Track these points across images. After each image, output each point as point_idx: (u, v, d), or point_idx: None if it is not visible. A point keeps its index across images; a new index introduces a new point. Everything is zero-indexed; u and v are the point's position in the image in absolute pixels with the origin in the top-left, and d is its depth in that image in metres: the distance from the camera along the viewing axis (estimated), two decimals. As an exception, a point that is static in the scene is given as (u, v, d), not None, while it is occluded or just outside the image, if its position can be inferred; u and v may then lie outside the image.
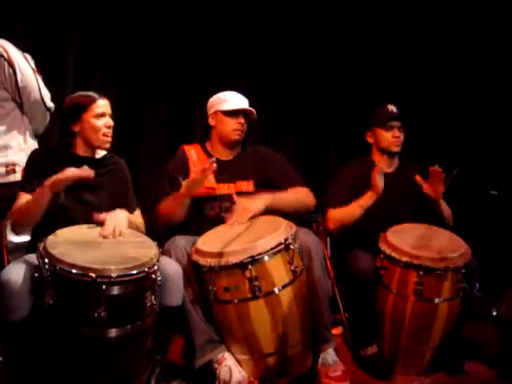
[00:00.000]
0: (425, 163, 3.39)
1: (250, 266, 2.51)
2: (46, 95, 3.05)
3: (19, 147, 3.00)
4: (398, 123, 3.20)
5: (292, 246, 2.60)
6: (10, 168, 2.96)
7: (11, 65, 2.91)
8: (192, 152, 3.09)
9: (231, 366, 2.63)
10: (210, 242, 2.69)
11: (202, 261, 2.59)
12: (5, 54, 2.90)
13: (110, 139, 2.66)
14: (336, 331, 3.01)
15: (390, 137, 3.20)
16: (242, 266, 2.52)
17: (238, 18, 4.07)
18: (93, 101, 2.61)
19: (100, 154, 2.76)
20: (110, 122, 2.64)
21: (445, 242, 2.91)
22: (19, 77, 2.92)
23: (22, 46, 3.05)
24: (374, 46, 4.29)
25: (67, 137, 2.66)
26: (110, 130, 2.65)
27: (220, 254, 2.55)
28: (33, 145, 3.09)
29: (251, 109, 3.05)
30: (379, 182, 2.99)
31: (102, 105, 2.64)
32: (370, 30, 4.28)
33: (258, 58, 4.13)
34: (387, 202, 3.07)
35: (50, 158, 2.65)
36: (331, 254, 3.31)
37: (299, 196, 3.02)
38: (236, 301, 2.56)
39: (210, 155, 3.04)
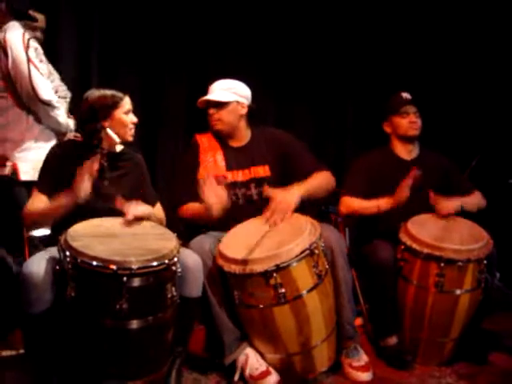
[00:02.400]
0: (445, 154, 3.38)
1: (274, 274, 2.48)
2: (42, 87, 2.93)
3: (15, 142, 2.94)
4: (414, 108, 3.19)
5: (317, 251, 2.57)
6: (2, 162, 2.91)
7: (4, 51, 2.86)
8: (203, 140, 3.05)
9: (249, 353, 2.67)
10: (234, 244, 2.66)
11: (227, 267, 2.57)
12: (2, 42, 2.86)
13: (133, 133, 2.73)
14: (356, 322, 2.99)
15: (407, 122, 3.18)
16: (266, 274, 2.49)
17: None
18: (122, 98, 2.69)
19: (118, 148, 2.77)
20: (135, 119, 2.72)
21: (466, 232, 2.88)
22: (10, 62, 2.86)
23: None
24: (395, 32, 4.26)
25: (94, 133, 2.65)
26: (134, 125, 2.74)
27: (244, 262, 2.52)
28: (34, 144, 3.00)
29: (205, 98, 2.98)
30: (404, 193, 2.93)
31: (128, 102, 2.72)
32: (389, 17, 4.26)
33: (277, 46, 4.13)
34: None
35: (69, 153, 2.66)
36: (350, 244, 3.29)
37: (324, 182, 2.97)
38: (261, 306, 2.55)
39: (221, 142, 3.02)
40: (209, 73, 3.97)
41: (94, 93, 2.67)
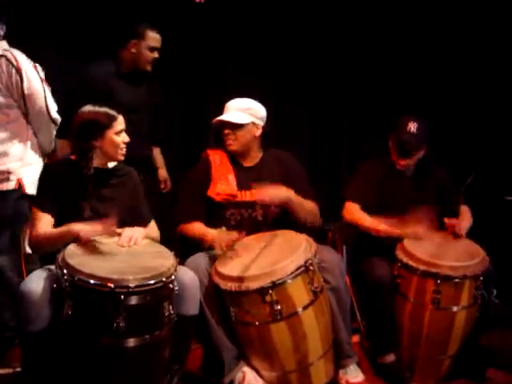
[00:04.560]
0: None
1: (270, 291, 2.49)
2: (52, 106, 3.02)
3: (18, 156, 2.97)
4: (409, 152, 3.09)
5: (312, 267, 2.58)
6: (5, 176, 2.93)
7: (19, 72, 2.90)
8: (216, 157, 3.03)
9: (246, 370, 2.67)
10: (230, 262, 2.67)
11: (223, 284, 2.57)
12: (13, 61, 2.90)
13: (124, 152, 2.68)
14: (354, 339, 3.00)
15: (396, 160, 3.15)
16: (262, 291, 2.50)
17: (253, 16, 4.09)
18: (115, 118, 2.64)
19: (110, 164, 2.76)
20: (127, 138, 2.67)
21: (462, 249, 2.90)
22: (25, 84, 2.91)
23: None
24: (391, 49, 4.31)
25: (86, 151, 2.63)
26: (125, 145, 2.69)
27: (240, 279, 2.53)
28: (35, 158, 3.04)
29: (221, 118, 2.96)
30: (408, 237, 2.95)
31: (121, 121, 2.66)
32: (386, 33, 4.30)
33: (274, 60, 4.16)
34: (405, 206, 3.01)
35: (63, 171, 2.65)
36: (347, 261, 3.29)
37: (312, 210, 2.97)
38: (257, 323, 2.56)
39: (232, 160, 3.02)
40: (207, 87, 4.00)
41: (88, 109, 2.63)
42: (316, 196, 3.06)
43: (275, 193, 2.78)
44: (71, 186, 2.58)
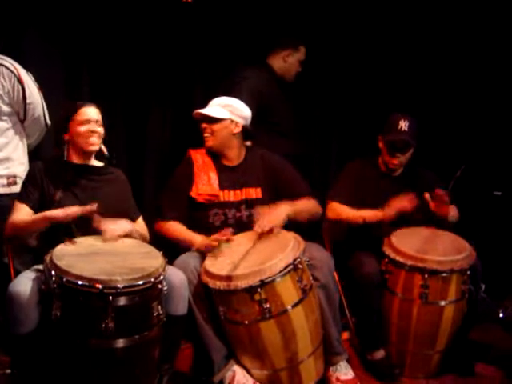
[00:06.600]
0: (429, 166, 3.40)
1: (259, 290, 2.50)
2: (47, 113, 3.15)
3: (19, 160, 3.10)
4: (400, 152, 3.12)
5: (301, 266, 2.59)
6: (12, 180, 3.04)
7: (21, 82, 3.01)
8: (198, 156, 3.03)
9: (236, 369, 2.67)
10: (219, 261, 2.68)
11: (211, 283, 2.58)
12: (15, 72, 3.00)
13: (94, 142, 2.68)
14: (343, 336, 3.00)
15: (388, 160, 3.16)
16: (250, 289, 2.50)
17: (242, 19, 4.08)
18: (77, 109, 2.68)
19: (95, 163, 2.78)
20: (94, 128, 2.66)
21: (449, 244, 2.91)
22: (27, 94, 3.02)
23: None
24: (379, 47, 4.30)
25: (60, 146, 2.71)
26: (95, 135, 2.67)
27: (229, 278, 2.53)
28: (27, 160, 3.18)
29: (199, 111, 2.97)
30: (393, 213, 2.95)
31: (85, 112, 2.67)
32: (376, 32, 4.29)
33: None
34: None
35: (47, 168, 2.68)
36: (335, 258, 3.29)
37: (311, 208, 2.99)
38: (246, 322, 2.56)
39: (215, 160, 3.02)
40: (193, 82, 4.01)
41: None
42: (312, 191, 3.07)
43: (274, 220, 2.76)
44: (57, 182, 2.61)
